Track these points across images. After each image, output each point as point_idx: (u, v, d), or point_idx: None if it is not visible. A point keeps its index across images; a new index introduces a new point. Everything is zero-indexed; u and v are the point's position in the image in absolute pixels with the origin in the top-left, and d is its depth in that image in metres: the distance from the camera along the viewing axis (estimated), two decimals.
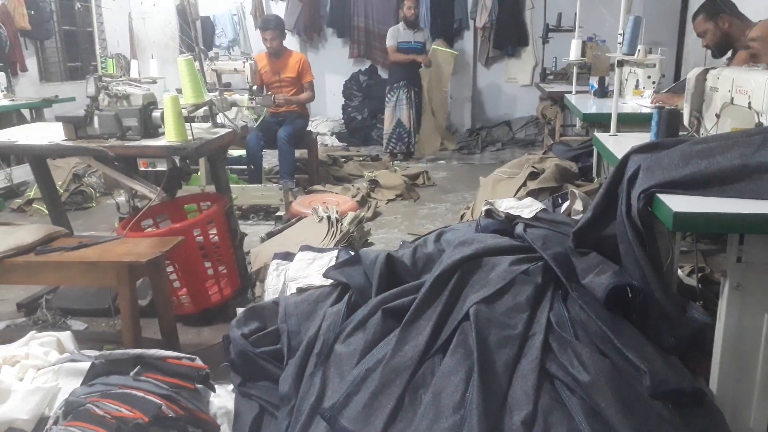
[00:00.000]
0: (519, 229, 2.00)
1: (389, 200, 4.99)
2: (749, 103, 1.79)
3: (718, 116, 2.03)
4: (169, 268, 2.63)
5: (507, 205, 2.19)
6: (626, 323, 1.59)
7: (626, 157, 1.68)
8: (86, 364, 1.77)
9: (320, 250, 2.44)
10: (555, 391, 1.49)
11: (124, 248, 2.28)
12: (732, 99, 1.91)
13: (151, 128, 2.65)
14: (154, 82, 3.33)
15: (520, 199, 2.29)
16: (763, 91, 1.69)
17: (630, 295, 1.64)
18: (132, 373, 1.69)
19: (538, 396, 1.47)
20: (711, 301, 1.88)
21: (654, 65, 3.56)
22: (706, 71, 2.12)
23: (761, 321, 1.49)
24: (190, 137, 2.55)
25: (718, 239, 2.52)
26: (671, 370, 1.50)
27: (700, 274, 2.21)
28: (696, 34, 3.31)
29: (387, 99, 6.58)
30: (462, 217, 3.94)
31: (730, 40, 3.09)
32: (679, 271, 2.21)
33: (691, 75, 2.18)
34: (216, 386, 1.87)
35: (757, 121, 1.75)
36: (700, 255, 2.34)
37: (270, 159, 5.97)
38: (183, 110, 2.59)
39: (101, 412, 1.53)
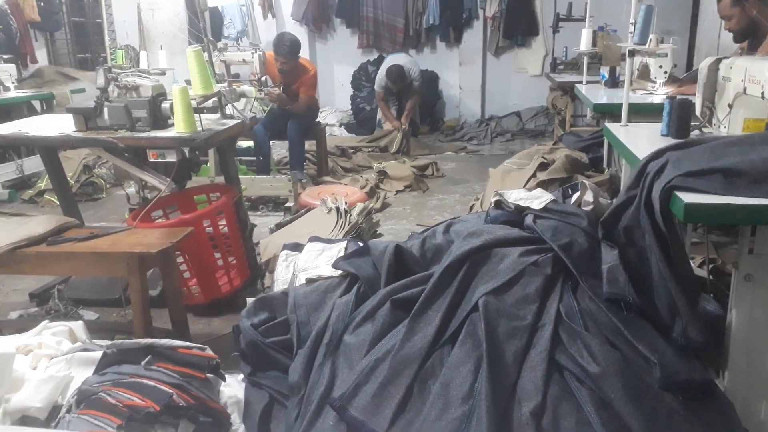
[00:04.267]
0: (528, 220, 1.99)
1: (398, 191, 4.98)
2: (762, 93, 1.77)
3: (730, 106, 2.01)
4: (179, 259, 2.64)
5: (516, 196, 2.18)
6: (636, 315, 1.59)
7: (660, 152, 1.61)
8: (98, 354, 1.78)
9: (329, 241, 2.44)
10: (564, 382, 1.49)
11: (135, 239, 2.29)
12: (745, 89, 1.89)
13: (160, 119, 2.65)
14: (163, 73, 3.33)
15: (529, 190, 2.27)
16: None
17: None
18: (143, 363, 1.70)
19: (547, 387, 1.47)
20: (722, 292, 1.87)
21: (666, 55, 3.52)
22: (719, 61, 2.09)
23: None
24: (199, 128, 2.55)
25: (729, 231, 2.50)
26: (681, 362, 1.50)
27: (711, 266, 2.20)
28: (720, 16, 3.25)
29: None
30: (471, 208, 3.93)
31: (755, 27, 3.04)
32: (691, 263, 2.20)
33: (703, 65, 2.15)
34: (226, 376, 1.88)
35: None
36: (711, 246, 2.33)
37: (278, 150, 5.97)
38: (192, 101, 2.59)
39: (113, 401, 1.55)
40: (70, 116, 2.69)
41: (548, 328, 1.57)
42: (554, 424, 1.41)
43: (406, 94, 6.57)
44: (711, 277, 2.03)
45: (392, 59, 6.57)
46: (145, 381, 1.63)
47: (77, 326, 2.05)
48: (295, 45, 4.80)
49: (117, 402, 1.55)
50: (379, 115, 6.79)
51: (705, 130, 2.23)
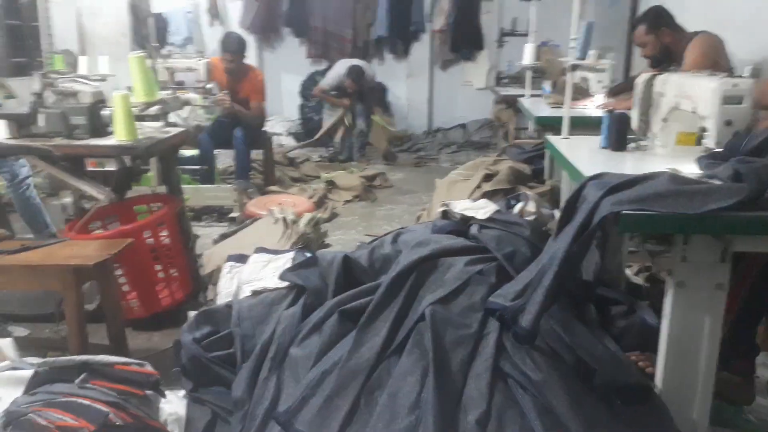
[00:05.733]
0: (474, 229, 2.02)
1: (346, 201, 4.97)
2: (694, 109, 1.85)
3: (665, 120, 2.10)
4: (118, 272, 2.55)
5: (462, 206, 2.21)
6: (577, 322, 1.63)
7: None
8: (28, 372, 1.70)
9: (276, 252, 2.41)
10: (508, 390, 1.51)
11: (70, 251, 2.20)
12: (678, 104, 1.98)
13: (99, 127, 2.57)
14: (104, 79, 3.24)
15: (475, 200, 2.31)
16: (707, 96, 1.76)
17: None
18: (77, 381, 1.63)
19: (492, 395, 1.49)
20: (657, 299, 1.94)
21: (605, 70, 3.65)
22: (654, 76, 2.18)
23: (704, 318, 1.54)
24: (140, 136, 2.48)
25: (664, 240, 2.60)
26: (620, 368, 1.55)
27: (646, 274, 2.28)
28: (635, 44, 3.42)
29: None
30: (419, 218, 3.95)
31: (668, 52, 3.21)
32: (627, 271, 2.28)
33: (639, 80, 2.24)
34: (167, 392, 1.82)
35: (700, 125, 1.81)
36: (646, 255, 2.41)
37: (224, 159, 5.87)
38: (134, 109, 2.52)
39: (44, 422, 1.47)
40: (2, 122, 2.57)
41: (493, 336, 1.59)
42: None
43: (364, 96, 6.58)
44: (647, 284, 2.10)
45: (347, 61, 6.54)
46: (80, 400, 1.56)
47: (5, 343, 1.95)
48: (243, 43, 4.85)
49: (48, 423, 1.47)
50: (324, 114, 6.80)
51: (641, 143, 2.32)
